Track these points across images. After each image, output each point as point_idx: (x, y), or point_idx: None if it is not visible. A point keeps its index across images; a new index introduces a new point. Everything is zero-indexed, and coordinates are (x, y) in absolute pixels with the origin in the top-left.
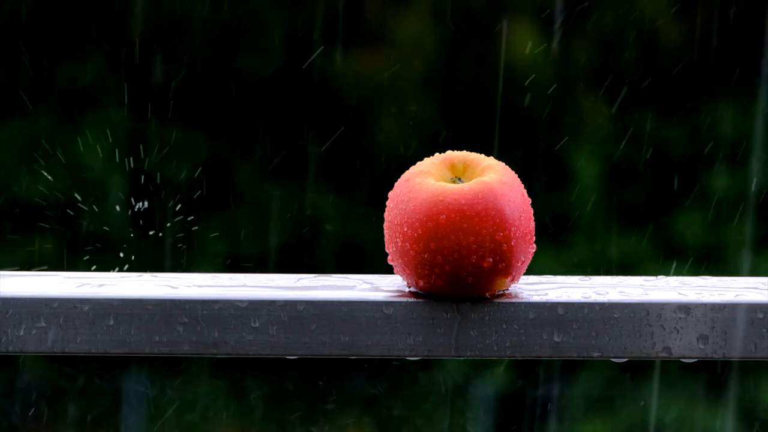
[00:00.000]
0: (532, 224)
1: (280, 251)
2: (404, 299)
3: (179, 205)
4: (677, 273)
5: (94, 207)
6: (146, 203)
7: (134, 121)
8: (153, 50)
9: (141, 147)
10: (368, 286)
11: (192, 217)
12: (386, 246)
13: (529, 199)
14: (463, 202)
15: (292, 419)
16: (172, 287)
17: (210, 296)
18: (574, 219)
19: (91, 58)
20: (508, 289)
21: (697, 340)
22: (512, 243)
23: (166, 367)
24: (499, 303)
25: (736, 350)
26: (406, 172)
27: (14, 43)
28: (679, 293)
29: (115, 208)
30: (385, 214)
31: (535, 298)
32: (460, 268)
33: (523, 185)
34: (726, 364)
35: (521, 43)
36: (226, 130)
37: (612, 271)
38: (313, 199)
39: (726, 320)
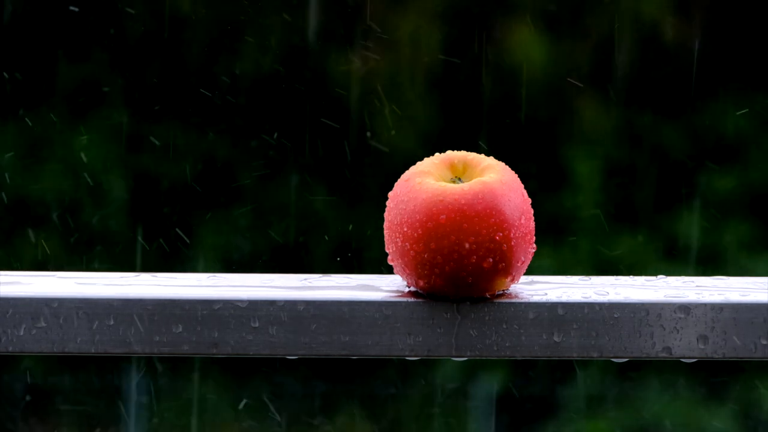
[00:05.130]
0: (532, 224)
1: (279, 251)
2: (404, 299)
3: (179, 205)
4: (677, 273)
5: (95, 207)
6: (146, 203)
7: (134, 121)
8: (153, 50)
9: (141, 146)
10: (368, 286)
11: (191, 217)
12: (386, 246)
13: (529, 199)
14: (463, 202)
15: (291, 419)
16: (172, 287)
17: (210, 296)
18: (574, 219)
19: (92, 57)
20: (508, 289)
21: (697, 340)
22: (512, 243)
23: (166, 367)
24: (499, 303)
25: (736, 350)
26: (406, 172)
27: (14, 42)
28: (679, 293)
29: (115, 208)
30: (385, 214)
31: (535, 298)
32: (460, 268)
33: (522, 185)
34: (726, 364)
35: (521, 42)
36: (225, 130)
37: (612, 271)
38: (313, 199)
39: (726, 320)
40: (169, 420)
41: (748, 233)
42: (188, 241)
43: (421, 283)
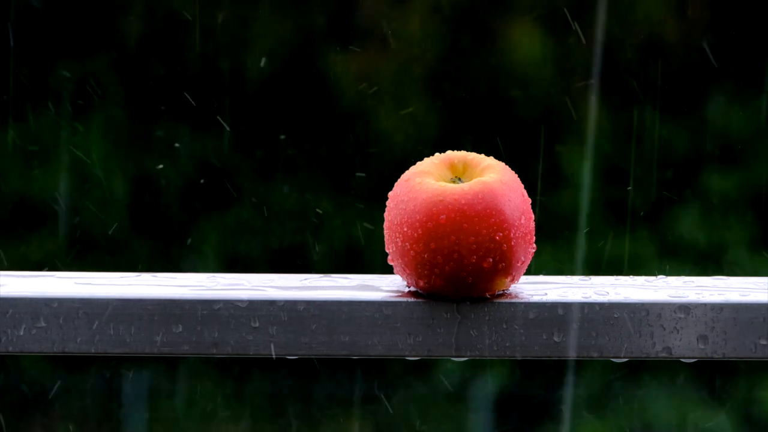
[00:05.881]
0: (532, 224)
1: (279, 251)
2: (404, 299)
3: (179, 205)
4: (677, 273)
5: (95, 207)
6: (146, 203)
7: (134, 121)
8: (153, 49)
9: (140, 146)
10: (368, 286)
11: (192, 217)
12: (386, 246)
13: (529, 199)
14: (463, 202)
15: (291, 419)
16: (172, 287)
17: (210, 296)
18: (574, 219)
19: (91, 57)
20: (508, 289)
21: (697, 340)
22: (512, 243)
23: (166, 367)
24: (499, 303)
25: (736, 350)
26: (406, 172)
27: (13, 42)
28: (679, 293)
29: (115, 208)
30: (385, 214)
31: (535, 298)
32: (460, 268)
33: (522, 185)
34: (726, 364)
35: (521, 42)
36: (225, 129)
37: (612, 271)
38: (313, 199)
39: (726, 320)
40: (169, 420)
41: (748, 233)
42: (188, 241)
43: (421, 283)
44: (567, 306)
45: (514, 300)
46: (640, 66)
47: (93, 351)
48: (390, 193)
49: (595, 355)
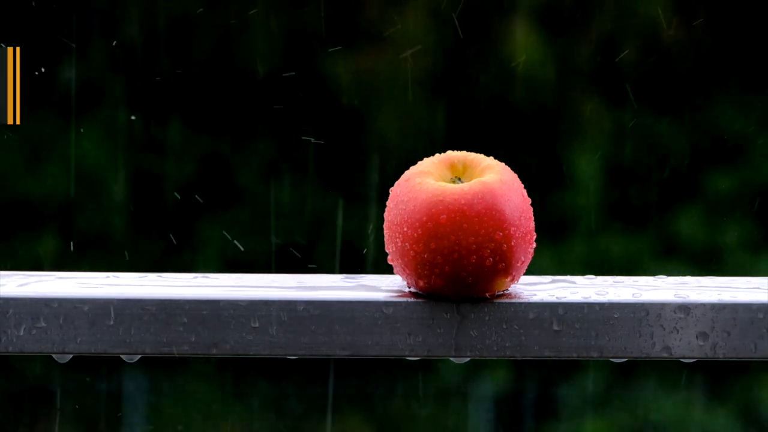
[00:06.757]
0: (532, 224)
1: (280, 251)
2: (404, 299)
3: (179, 205)
4: (677, 273)
5: (94, 207)
6: (146, 202)
7: (134, 120)
8: (153, 49)
9: (141, 146)
10: (368, 286)
11: (192, 217)
12: (386, 246)
13: (529, 199)
14: (463, 202)
15: (292, 419)
16: (172, 287)
17: (210, 296)
18: (574, 219)
19: (91, 56)
20: (508, 289)
21: (697, 339)
22: (512, 243)
23: (166, 367)
24: (499, 303)
25: (736, 350)
26: (406, 172)
27: (13, 42)
28: (679, 293)
29: (115, 208)
30: (385, 214)
31: (535, 298)
32: (460, 268)
33: (522, 185)
34: (726, 364)
35: (521, 42)
36: (226, 129)
37: (612, 271)
38: (313, 199)
39: (726, 320)
40: (169, 420)
41: (748, 233)
42: (188, 241)
43: (421, 283)
44: (567, 306)
45: (514, 300)
46: (640, 65)
47: (93, 351)
48: (390, 193)
49: (595, 355)
